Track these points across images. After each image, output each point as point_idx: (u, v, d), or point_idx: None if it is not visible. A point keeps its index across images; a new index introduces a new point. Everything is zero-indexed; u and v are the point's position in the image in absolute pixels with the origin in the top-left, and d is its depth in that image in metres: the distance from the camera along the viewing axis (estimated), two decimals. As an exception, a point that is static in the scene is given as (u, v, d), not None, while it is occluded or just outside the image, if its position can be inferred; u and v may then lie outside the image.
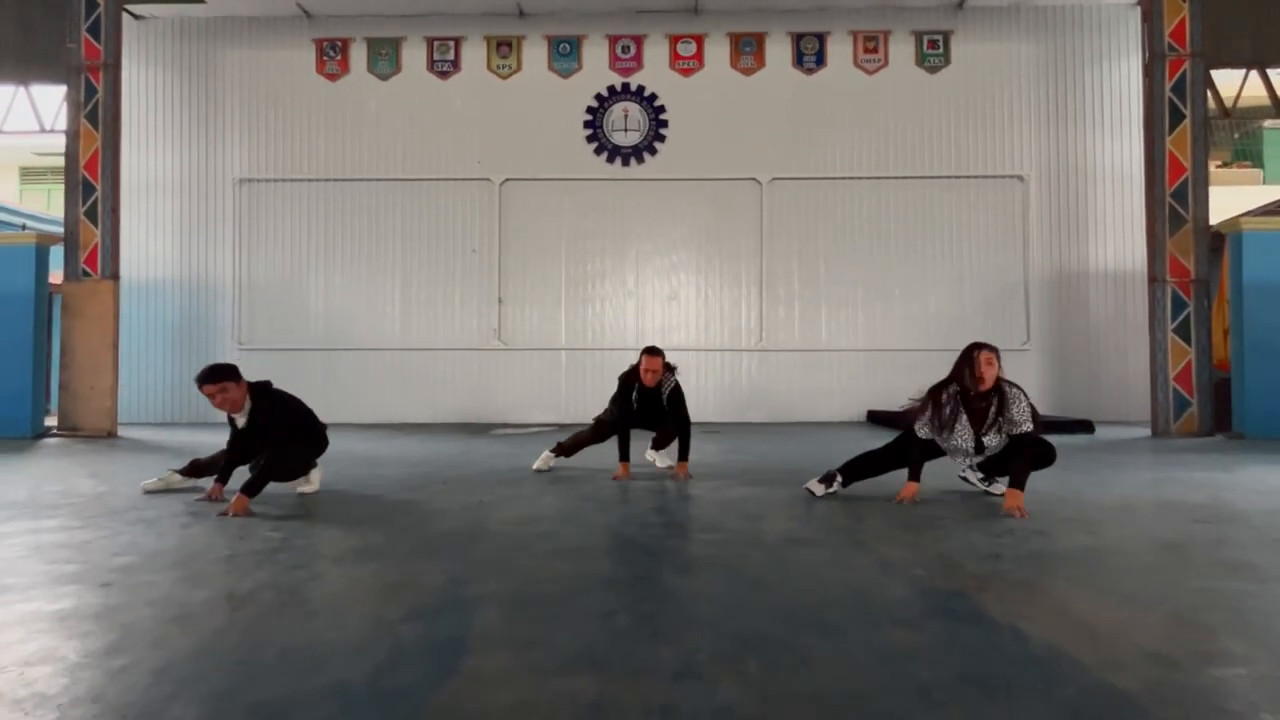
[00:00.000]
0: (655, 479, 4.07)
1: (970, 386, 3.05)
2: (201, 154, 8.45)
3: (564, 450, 4.28)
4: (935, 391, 3.17)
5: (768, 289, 8.28)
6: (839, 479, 3.40)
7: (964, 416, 3.09)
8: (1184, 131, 6.24)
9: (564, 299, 8.39)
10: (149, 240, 8.30)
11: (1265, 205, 7.84)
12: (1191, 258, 6.18)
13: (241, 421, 3.30)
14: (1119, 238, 8.19)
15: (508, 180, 8.39)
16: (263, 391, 3.30)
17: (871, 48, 8.33)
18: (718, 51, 8.42)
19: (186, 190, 8.42)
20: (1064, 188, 8.24)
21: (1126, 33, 8.26)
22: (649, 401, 4.15)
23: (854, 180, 8.27)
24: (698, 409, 8.46)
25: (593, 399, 8.32)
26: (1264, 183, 11.41)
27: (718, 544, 2.57)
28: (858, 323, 8.29)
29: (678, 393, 4.17)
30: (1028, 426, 3.02)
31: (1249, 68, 6.26)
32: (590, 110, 8.42)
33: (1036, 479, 3.21)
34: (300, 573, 2.23)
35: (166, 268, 8.37)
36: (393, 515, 3.13)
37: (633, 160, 8.37)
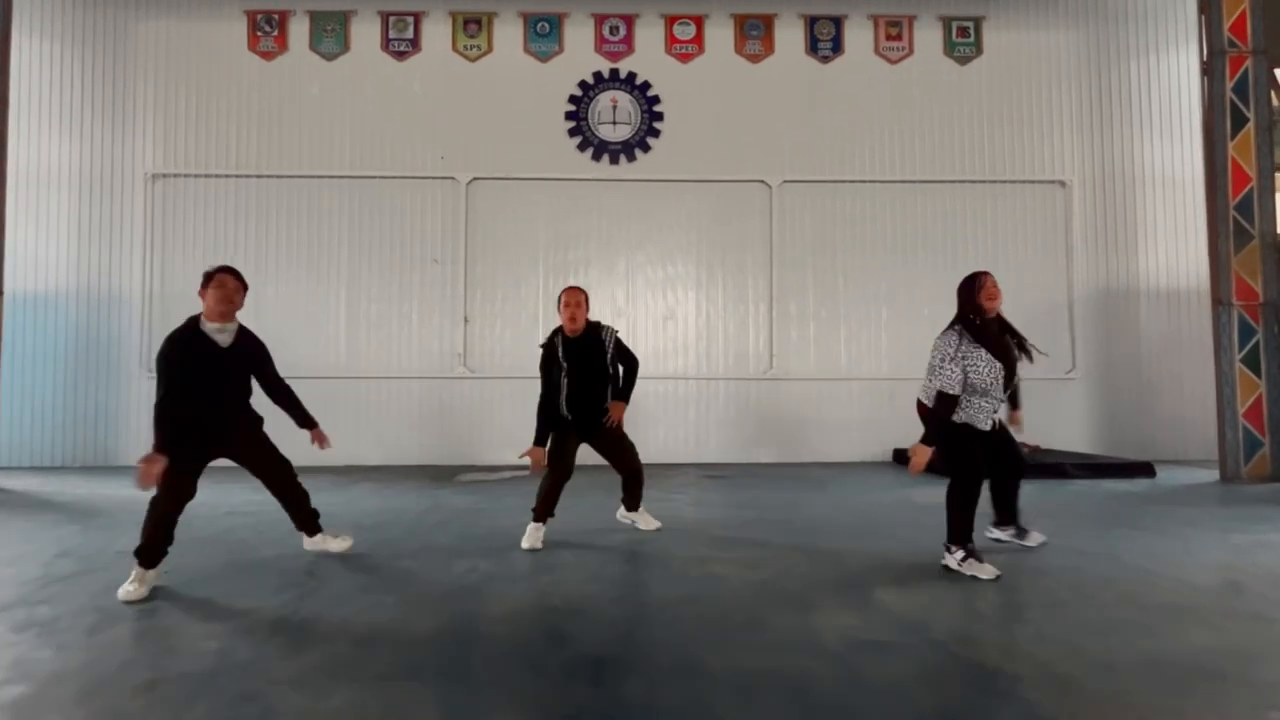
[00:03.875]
0: (664, 544, 3.89)
1: (986, 310, 3.41)
2: (106, 143, 8.10)
3: (542, 513, 4.09)
4: (951, 337, 3.41)
5: (778, 307, 8.21)
6: (969, 549, 3.36)
7: (983, 350, 3.36)
8: (1247, 136, 6.38)
9: (542, 318, 8.19)
10: (39, 244, 7.89)
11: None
12: (1259, 278, 6.28)
13: (226, 340, 3.24)
14: (1173, 252, 8.35)
15: (476, 179, 8.21)
16: None
17: (894, 34, 8.41)
18: (720, 35, 8.41)
19: (87, 186, 8.04)
20: (1111, 195, 8.39)
21: (1176, 23, 8.50)
22: (583, 362, 4.03)
23: (876, 184, 8.30)
24: (698, 445, 8.41)
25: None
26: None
27: (769, 651, 2.40)
28: (881, 347, 8.27)
29: (623, 345, 4.23)
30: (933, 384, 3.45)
31: (1315, 67, 6.45)
32: (573, 100, 8.31)
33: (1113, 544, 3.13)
34: (250, 708, 1.99)
35: (60, 277, 7.95)
36: (357, 609, 2.89)
37: (622, 158, 8.27)
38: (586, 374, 4.09)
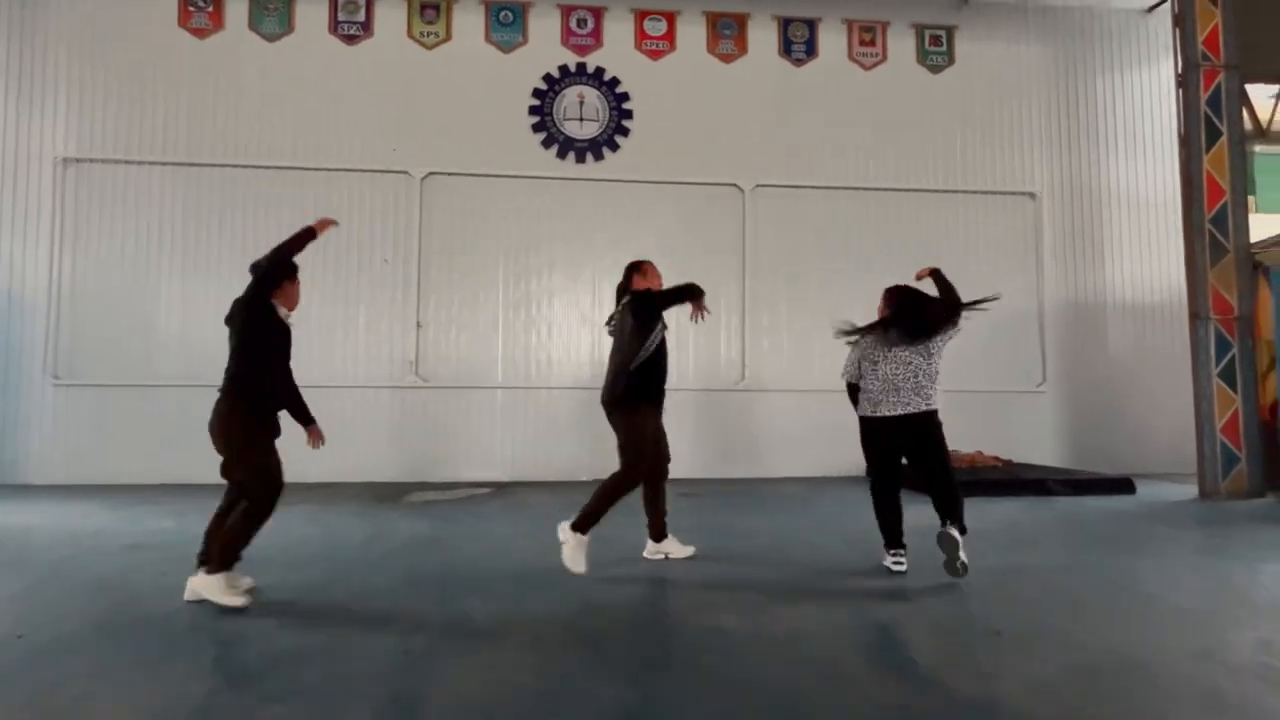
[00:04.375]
0: (670, 589, 3.38)
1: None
2: (11, 123, 7.17)
3: (587, 523, 3.57)
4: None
5: (751, 316, 7.83)
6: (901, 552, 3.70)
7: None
8: (1221, 150, 6.30)
9: (501, 324, 7.61)
10: (-74, 236, 6.91)
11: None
12: (1234, 291, 6.19)
13: (291, 319, 3.41)
14: (1138, 267, 8.31)
15: (432, 175, 7.59)
16: None
17: (868, 40, 8.17)
18: (692, 32, 8.02)
19: (-14, 170, 7.10)
20: (1079, 208, 8.31)
21: (1140, 42, 8.51)
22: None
23: (850, 191, 8.01)
24: (674, 460, 7.87)
25: (538, 449, 7.56)
26: (1257, 211, 12.12)
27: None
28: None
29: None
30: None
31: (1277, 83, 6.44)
32: (538, 94, 7.79)
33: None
34: None
35: (-48, 273, 6.98)
36: (265, 691, 2.27)
37: (589, 156, 7.78)
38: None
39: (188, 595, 2.99)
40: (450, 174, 7.62)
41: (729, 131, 7.92)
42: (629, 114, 7.84)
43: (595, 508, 3.57)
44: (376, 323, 7.47)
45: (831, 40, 8.14)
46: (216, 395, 3.17)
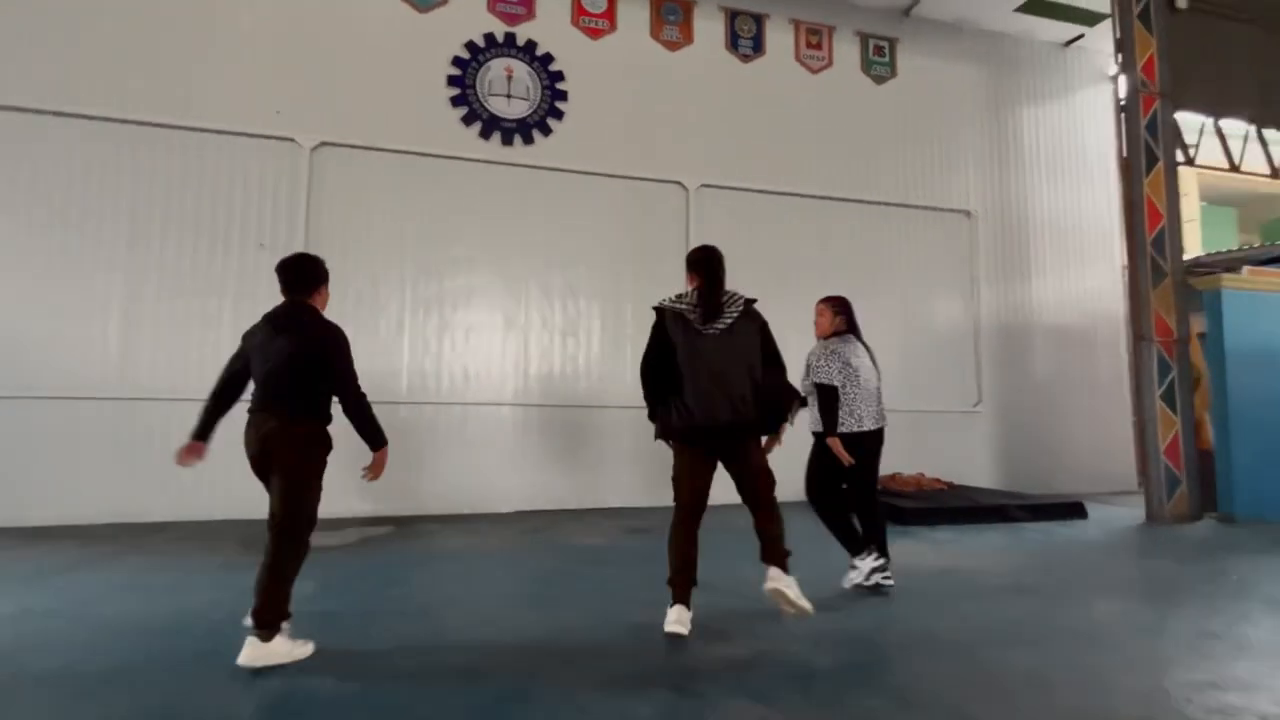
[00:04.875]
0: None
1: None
2: None
3: (684, 582, 2.93)
4: None
5: (693, 327, 7.08)
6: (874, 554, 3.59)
7: None
8: (1158, 175, 6.35)
9: (408, 328, 6.38)
10: None
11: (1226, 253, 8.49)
12: (1173, 315, 6.21)
13: None
14: (1060, 290, 8.43)
15: (324, 145, 6.27)
16: None
17: (815, 43, 7.78)
18: (635, 14, 7.25)
19: None
20: (1009, 229, 8.31)
21: (1057, 72, 8.73)
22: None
23: (795, 198, 7.51)
24: (604, 487, 6.94)
25: (451, 477, 6.35)
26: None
27: None
28: (798, 372, 7.41)
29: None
30: (816, 378, 3.69)
31: (1207, 115, 6.64)
32: (458, 63, 6.69)
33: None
34: None
35: None
36: None
37: (518, 139, 6.76)
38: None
39: (244, 661, 2.47)
40: (348, 146, 6.33)
41: (672, 124, 7.20)
42: (563, 95, 6.92)
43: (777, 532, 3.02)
44: (246, 322, 5.98)
45: (779, 39, 7.67)
46: (259, 413, 2.73)
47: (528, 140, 6.77)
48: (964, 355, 7.95)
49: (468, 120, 6.64)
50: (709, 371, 2.89)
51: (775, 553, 2.97)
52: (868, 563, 3.57)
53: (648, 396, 3.02)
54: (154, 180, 5.88)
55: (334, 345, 2.78)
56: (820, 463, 3.65)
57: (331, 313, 6.33)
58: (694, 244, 7.29)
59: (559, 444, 6.56)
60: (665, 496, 7.15)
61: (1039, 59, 8.65)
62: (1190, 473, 6.06)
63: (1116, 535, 5.45)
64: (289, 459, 2.66)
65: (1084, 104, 8.80)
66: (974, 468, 7.72)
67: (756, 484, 3.00)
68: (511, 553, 4.64)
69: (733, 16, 7.50)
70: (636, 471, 6.72)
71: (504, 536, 5.17)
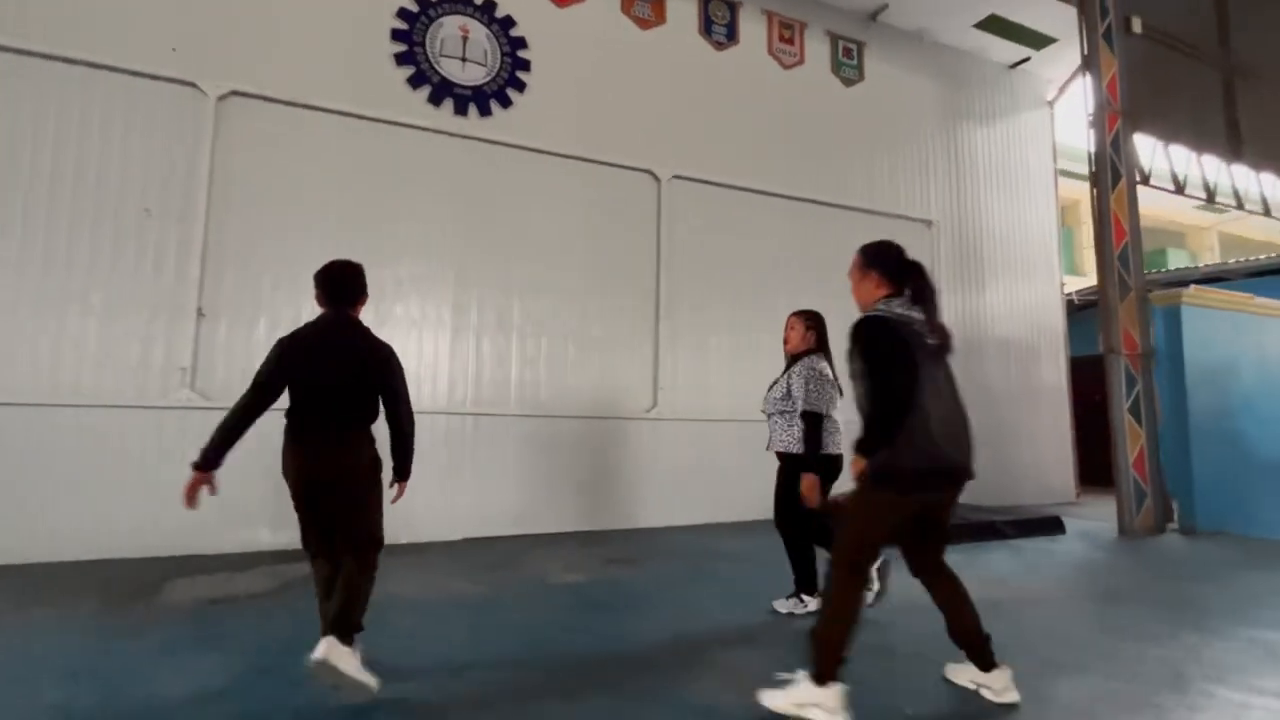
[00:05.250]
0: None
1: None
2: None
3: (831, 665, 2.20)
4: None
5: (665, 325, 6.45)
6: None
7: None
8: (1121, 192, 6.42)
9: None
10: None
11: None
12: (1137, 329, 6.26)
13: None
14: (1009, 302, 8.51)
15: (235, 95, 5.13)
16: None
17: (788, 37, 7.41)
18: (604, -15, 6.58)
19: None
20: (965, 240, 8.30)
21: (1004, 92, 8.88)
22: None
23: (766, 196, 7.07)
24: (565, 509, 6.07)
25: (387, 497, 5.24)
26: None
27: None
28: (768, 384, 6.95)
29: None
30: (804, 406, 3.30)
31: (1157, 139, 6.82)
32: (405, 15, 5.73)
33: None
34: None
35: None
36: None
37: (473, 109, 5.88)
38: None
39: (318, 655, 2.24)
40: (264, 98, 5.21)
41: (643, 108, 6.56)
42: (525, 65, 6.11)
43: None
44: (127, 309, 4.73)
45: (752, 30, 7.24)
46: (318, 434, 2.48)
47: (484, 111, 5.90)
48: (925, 366, 7.80)
49: (414, 82, 5.69)
50: (949, 402, 2.33)
51: (979, 646, 2.42)
52: (814, 602, 3.37)
53: (889, 432, 2.22)
54: (10, 127, 4.53)
55: (395, 365, 2.61)
56: (792, 487, 3.30)
57: (235, 303, 5.16)
58: (666, 238, 6.78)
59: (513, 459, 5.69)
60: (629, 518, 6.32)
61: (989, 77, 8.76)
62: (1155, 486, 6.09)
63: (1110, 551, 5.32)
64: (362, 484, 2.51)
65: (1026, 125, 9.01)
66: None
67: (944, 537, 2.47)
68: (486, 598, 3.75)
69: (706, 0, 7.00)
70: (600, 490, 5.98)
71: (463, 573, 4.26)
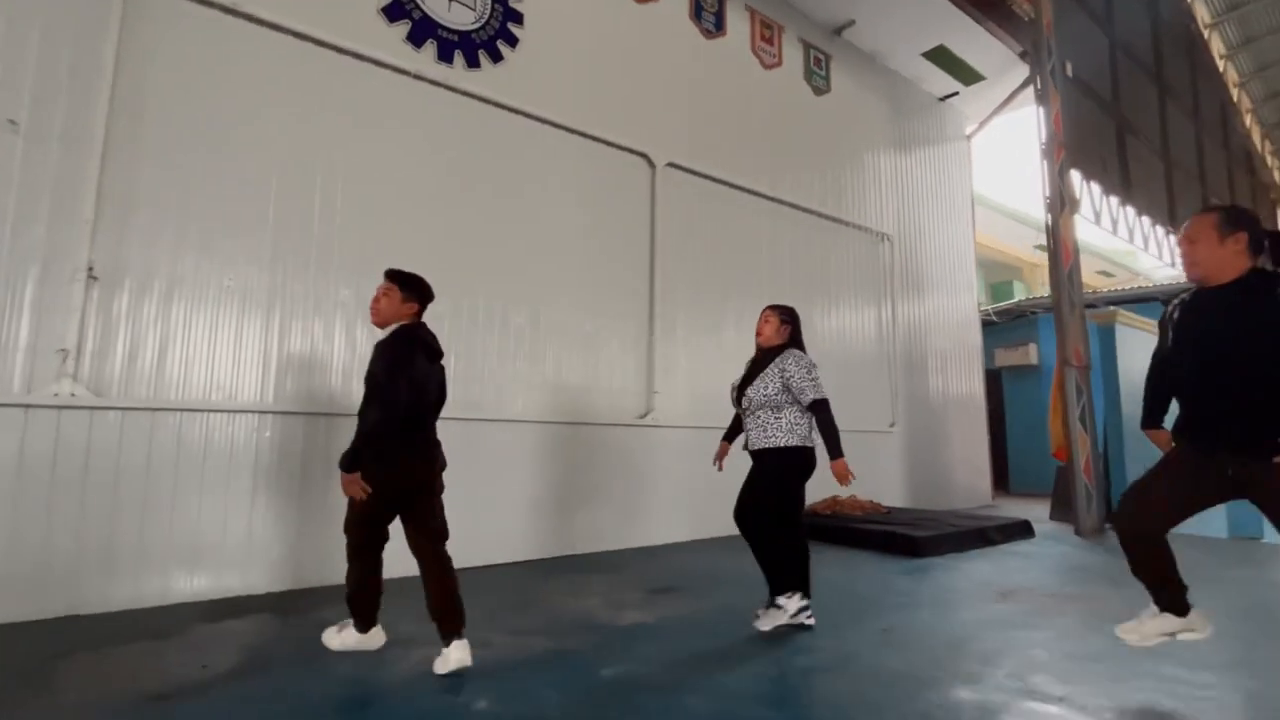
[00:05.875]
0: None
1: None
2: None
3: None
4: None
5: (661, 322, 5.84)
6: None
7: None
8: (1065, 218, 6.90)
9: (267, 297, 4.10)
10: None
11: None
12: (1083, 344, 6.71)
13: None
14: (943, 316, 8.93)
15: (155, -10, 3.81)
16: (403, 331, 2.69)
17: (768, 37, 7.19)
18: (598, -54, 5.91)
19: None
20: (911, 256, 8.58)
21: (932, 119, 9.38)
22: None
23: (749, 195, 6.75)
24: (575, 529, 5.17)
25: (328, 536, 4.06)
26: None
27: None
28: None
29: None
30: (814, 395, 3.14)
31: (1087, 180, 7.48)
32: (381, -67, 4.67)
33: None
34: None
35: None
36: None
37: (459, 57, 4.92)
38: None
39: (444, 669, 2.51)
40: (206, 4, 3.94)
41: (637, 85, 5.96)
42: (518, 18, 5.26)
43: None
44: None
45: (738, 24, 6.92)
46: (434, 442, 2.73)
47: (472, 62, 4.97)
48: (881, 376, 7.89)
49: (392, 15, 4.64)
50: None
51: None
52: (794, 602, 3.13)
53: None
54: None
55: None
56: (780, 485, 3.16)
57: (141, 261, 3.82)
58: (660, 226, 6.11)
59: (487, 472, 4.76)
60: (639, 536, 5.59)
61: (924, 105, 9.21)
62: (1098, 489, 6.52)
63: (1093, 551, 5.51)
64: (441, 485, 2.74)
65: (950, 154, 9.59)
66: (889, 489, 7.62)
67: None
68: (557, 653, 2.89)
69: (696, -16, 6.58)
70: (600, 505, 5.22)
71: (485, 621, 3.33)
